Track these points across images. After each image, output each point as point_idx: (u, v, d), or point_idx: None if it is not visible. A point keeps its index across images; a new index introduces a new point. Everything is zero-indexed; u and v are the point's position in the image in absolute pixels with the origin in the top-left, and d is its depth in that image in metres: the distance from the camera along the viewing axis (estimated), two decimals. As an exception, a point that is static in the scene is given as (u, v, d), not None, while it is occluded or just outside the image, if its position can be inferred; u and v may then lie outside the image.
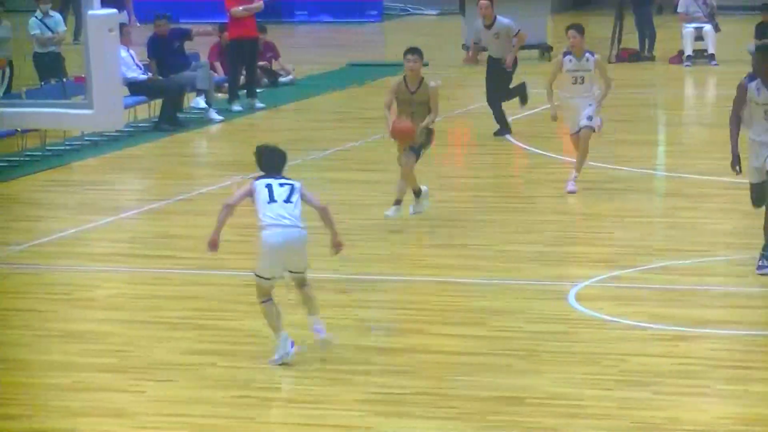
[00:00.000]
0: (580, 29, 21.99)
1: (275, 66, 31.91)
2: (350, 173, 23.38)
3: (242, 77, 29.47)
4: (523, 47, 33.05)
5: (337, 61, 34.45)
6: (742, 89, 17.54)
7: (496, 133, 26.35)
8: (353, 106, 30.13)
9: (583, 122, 21.55)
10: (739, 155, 17.60)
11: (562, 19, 37.03)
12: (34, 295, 17.76)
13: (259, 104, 29.51)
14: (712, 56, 32.60)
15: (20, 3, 36.81)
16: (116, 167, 25.08)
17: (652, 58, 33.40)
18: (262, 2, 29.70)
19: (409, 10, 42.09)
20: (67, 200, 22.82)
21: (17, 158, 24.87)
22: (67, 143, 25.92)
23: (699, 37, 32.85)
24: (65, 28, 30.80)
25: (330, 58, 34.80)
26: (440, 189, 19.92)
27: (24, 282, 18.26)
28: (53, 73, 28.62)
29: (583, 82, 21.72)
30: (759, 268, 17.51)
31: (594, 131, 21.72)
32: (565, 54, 21.89)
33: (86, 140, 25.94)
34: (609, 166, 23.81)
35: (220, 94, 29.20)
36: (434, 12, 40.79)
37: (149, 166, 25.73)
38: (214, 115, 28.25)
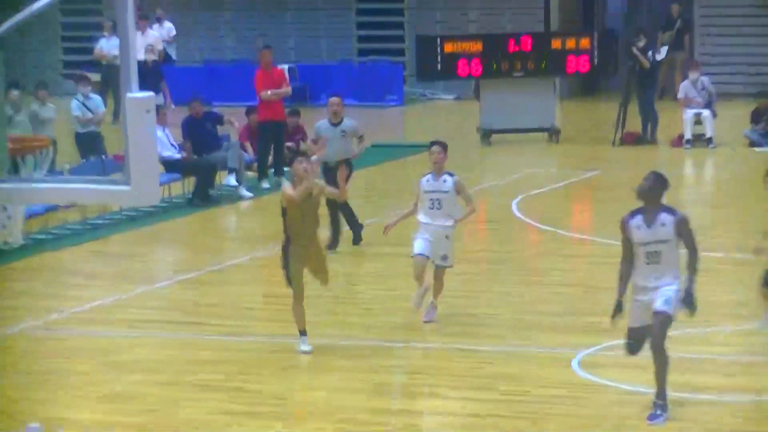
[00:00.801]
0: (444, 146, 18.54)
1: (303, 146, 32.03)
2: (373, 247, 23.43)
3: (270, 157, 29.57)
4: (530, 130, 33.34)
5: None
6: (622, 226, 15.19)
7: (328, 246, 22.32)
8: (376, 183, 30.21)
9: (438, 262, 18.42)
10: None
11: (570, 104, 37.23)
12: (74, 358, 17.85)
13: (286, 182, 29.52)
14: (710, 139, 32.68)
15: (62, 86, 37.05)
16: (151, 240, 25.19)
17: (654, 142, 33.45)
18: (289, 87, 29.86)
19: (427, 95, 42.20)
20: (104, 270, 22.91)
21: (59, 231, 25.00)
22: (106, 217, 26.03)
23: (698, 121, 33.00)
24: (104, 110, 31.01)
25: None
26: (457, 261, 19.82)
27: (64, 346, 18.32)
28: (93, 151, 28.77)
29: (440, 206, 18.22)
30: (650, 417, 14.92)
31: (448, 268, 18.62)
32: (425, 174, 18.51)
33: (123, 214, 26.05)
34: (614, 241, 23.84)
35: (249, 173, 29.25)
36: (451, 97, 40.91)
37: (182, 240, 25.81)
38: (244, 192, 28.33)
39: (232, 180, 28.66)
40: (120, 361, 17.64)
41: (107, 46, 36.46)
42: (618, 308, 14.94)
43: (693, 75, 33.73)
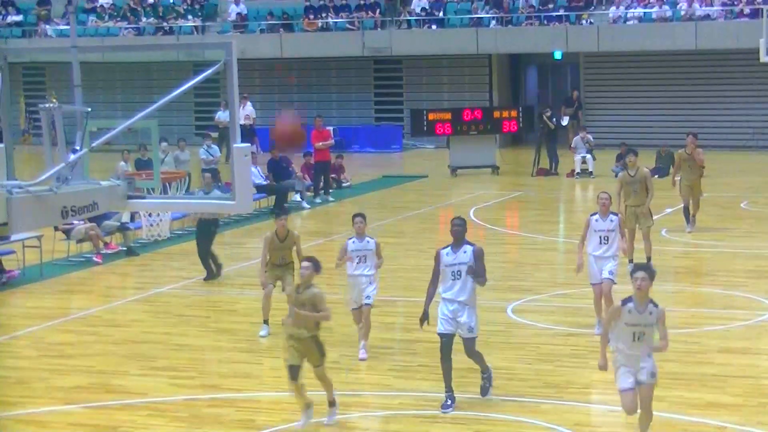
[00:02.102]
0: (364, 216, 14.94)
1: (341, 177, 32.12)
2: (384, 238, 23.47)
3: (321, 183, 29.74)
4: (481, 167, 33.35)
5: (376, 174, 34.59)
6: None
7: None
8: (385, 200, 30.27)
9: (365, 301, 14.52)
10: None
11: (505, 151, 37.21)
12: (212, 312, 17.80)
13: (330, 199, 29.70)
14: (591, 173, 32.67)
15: (194, 140, 37.16)
16: (247, 235, 25.27)
17: (556, 174, 33.42)
18: (333, 141, 30.32)
19: (417, 145, 42.16)
20: (220, 251, 22.97)
21: (191, 228, 24.95)
22: (222, 221, 26.02)
23: (584, 162, 32.98)
24: (220, 154, 31.11)
25: (372, 172, 34.92)
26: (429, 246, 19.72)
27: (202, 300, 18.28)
28: (213, 180, 28.84)
29: (365, 261, 14.49)
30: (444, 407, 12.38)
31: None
32: (351, 238, 14.77)
33: (232, 219, 26.11)
34: (534, 235, 23.86)
35: (308, 193, 29.38)
36: (432, 146, 40.84)
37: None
38: (305, 204, 28.46)
39: (297, 197, 28.79)
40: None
41: (222, 115, 36.47)
42: (424, 316, 12.48)
43: (581, 134, 33.74)
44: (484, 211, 27.33)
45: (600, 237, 15.01)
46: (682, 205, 22.93)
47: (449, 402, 12.43)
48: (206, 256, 19.88)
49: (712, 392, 13.06)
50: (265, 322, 15.85)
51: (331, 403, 12.10)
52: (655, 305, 10.66)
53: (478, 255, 12.53)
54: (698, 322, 16.31)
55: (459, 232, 12.60)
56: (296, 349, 11.74)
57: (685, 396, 12.90)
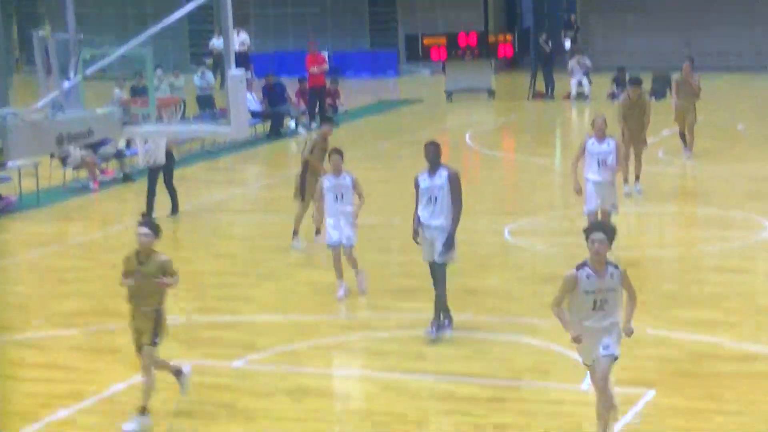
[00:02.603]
0: (342, 152, 14.04)
1: (336, 102, 31.95)
2: (380, 162, 23.51)
3: (316, 108, 29.57)
4: (476, 91, 33.15)
5: (371, 99, 34.42)
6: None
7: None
8: (381, 124, 30.15)
9: (345, 242, 13.91)
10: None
11: (500, 76, 36.94)
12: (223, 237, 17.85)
13: (326, 124, 29.59)
14: (586, 97, 32.47)
15: (189, 67, 36.93)
16: (246, 160, 25.21)
17: (553, 97, 33.21)
18: (327, 66, 30.08)
19: (413, 70, 41.90)
20: (216, 178, 22.94)
21: (187, 155, 24.95)
22: (217, 147, 26.02)
23: (579, 85, 32.74)
24: (215, 81, 30.96)
25: (367, 97, 34.73)
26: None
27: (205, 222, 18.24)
28: (208, 106, 28.87)
29: (342, 198, 13.84)
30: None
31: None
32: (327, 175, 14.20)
33: (228, 144, 25.97)
34: (529, 156, 23.82)
35: (303, 118, 29.23)
36: (428, 72, 40.57)
37: (264, 158, 25.83)
38: (301, 129, 28.31)
39: (292, 123, 28.67)
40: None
41: (217, 43, 36.24)
42: (416, 233, 12.40)
43: (577, 57, 33.47)
44: (480, 135, 27.24)
45: (598, 160, 14.66)
46: (678, 130, 22.75)
47: (432, 328, 12.22)
48: (173, 190, 18.98)
49: (708, 311, 13.11)
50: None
51: (142, 411, 10.20)
52: (615, 267, 9.26)
53: (453, 179, 12.28)
54: (695, 242, 16.33)
55: (433, 156, 12.30)
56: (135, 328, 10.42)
57: (681, 315, 12.94)
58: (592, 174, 14.71)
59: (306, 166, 16.26)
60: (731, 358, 11.58)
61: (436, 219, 12.29)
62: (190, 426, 10.21)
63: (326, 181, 13.88)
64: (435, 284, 12.38)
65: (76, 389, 11.18)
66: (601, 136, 14.70)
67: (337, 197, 13.80)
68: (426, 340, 12.21)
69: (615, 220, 14.70)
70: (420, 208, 12.38)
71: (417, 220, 12.42)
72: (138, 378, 11.28)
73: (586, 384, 10.88)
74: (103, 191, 21.40)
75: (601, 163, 14.65)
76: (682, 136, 22.37)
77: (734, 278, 14.42)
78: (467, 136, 26.74)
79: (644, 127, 19.13)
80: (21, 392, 11.18)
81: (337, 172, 13.86)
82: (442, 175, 12.28)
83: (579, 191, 14.89)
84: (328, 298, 13.81)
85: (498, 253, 15.88)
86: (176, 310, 13.56)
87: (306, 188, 16.04)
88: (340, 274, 13.90)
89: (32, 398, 11.02)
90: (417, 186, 12.38)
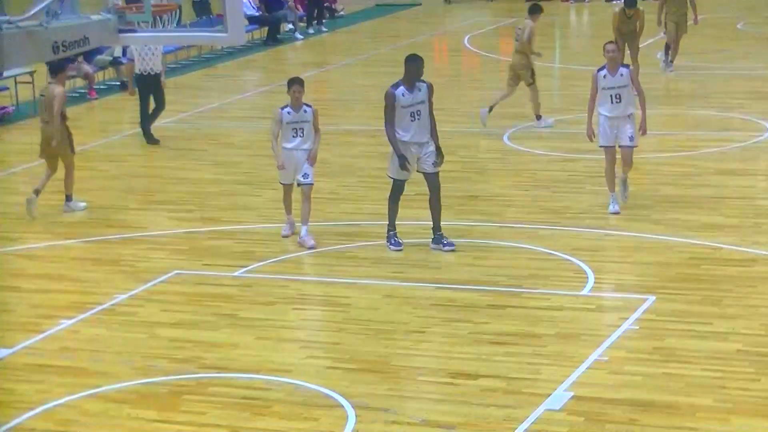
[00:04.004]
0: (303, 83, 12.49)
1: (334, 6, 31.57)
2: (378, 67, 23.31)
3: (315, 13, 29.23)
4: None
5: (369, 2, 34.00)
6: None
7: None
8: (378, 29, 29.83)
9: (301, 180, 12.55)
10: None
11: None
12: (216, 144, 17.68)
13: (324, 29, 29.24)
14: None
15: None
16: (243, 67, 25.00)
17: (552, -2, 32.82)
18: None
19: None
20: (213, 84, 22.76)
21: (184, 62, 24.81)
22: (214, 53, 25.78)
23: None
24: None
25: (364, 0, 34.30)
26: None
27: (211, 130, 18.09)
28: (205, 12, 28.44)
29: (302, 133, 12.36)
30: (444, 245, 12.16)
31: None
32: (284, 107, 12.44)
33: (225, 51, 25.78)
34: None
35: (301, 23, 28.90)
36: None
37: (262, 65, 25.58)
38: (298, 35, 28.04)
39: (290, 28, 28.37)
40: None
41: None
42: (403, 159, 11.96)
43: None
44: (478, 38, 26.97)
45: (611, 95, 12.89)
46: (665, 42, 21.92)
47: (444, 241, 12.06)
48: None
49: (708, 214, 13.05)
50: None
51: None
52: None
53: (431, 90, 11.92)
54: (694, 144, 16.21)
55: (419, 70, 11.82)
56: None
57: (682, 218, 12.88)
58: (605, 110, 13.01)
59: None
60: (731, 261, 11.54)
61: (423, 134, 11.97)
62: (193, 335, 10.20)
63: (285, 115, 12.34)
64: (434, 194, 12.19)
65: (78, 300, 11.16)
66: (613, 68, 12.89)
67: (296, 132, 12.34)
68: (425, 246, 12.16)
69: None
70: (400, 126, 11.84)
71: (398, 143, 11.82)
72: (139, 288, 11.31)
73: (587, 289, 10.90)
74: (101, 99, 21.24)
75: (615, 98, 12.90)
76: (668, 47, 21.50)
77: (734, 181, 14.33)
78: (466, 39, 26.44)
79: (638, 36, 19.44)
80: (23, 303, 11.17)
81: (297, 104, 12.31)
82: (422, 89, 11.89)
83: (591, 137, 13.29)
84: (328, 206, 13.75)
85: (497, 158, 15.78)
86: (174, 221, 13.55)
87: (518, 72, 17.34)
88: (304, 217, 12.41)
89: (34, 309, 11.00)
90: (394, 102, 11.78)
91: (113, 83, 22.62)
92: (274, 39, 27.47)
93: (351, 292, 11.15)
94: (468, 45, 25.65)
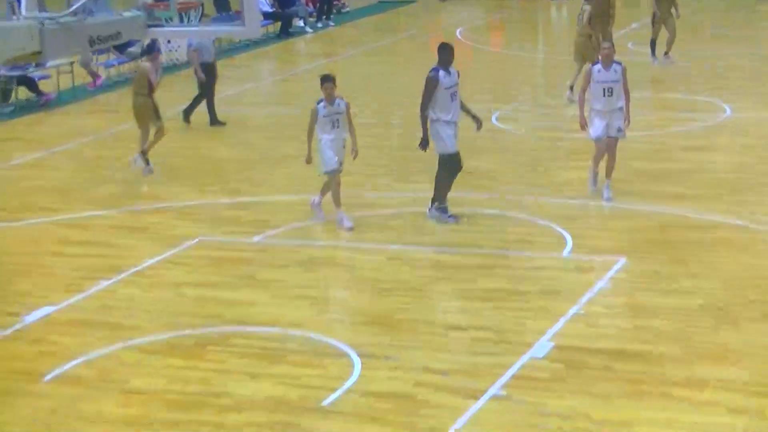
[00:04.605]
0: (335, 80, 12.06)
1: (341, 2, 31.43)
2: (381, 57, 23.24)
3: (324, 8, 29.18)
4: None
5: (371, 0, 33.89)
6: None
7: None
8: (380, 23, 29.73)
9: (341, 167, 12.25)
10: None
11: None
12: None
13: (331, 23, 29.15)
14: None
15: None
16: (259, 58, 24.92)
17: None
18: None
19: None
20: (232, 74, 22.63)
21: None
22: (233, 45, 25.73)
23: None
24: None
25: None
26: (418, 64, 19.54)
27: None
28: (224, 8, 28.33)
29: (338, 124, 11.97)
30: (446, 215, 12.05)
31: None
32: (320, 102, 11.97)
33: (243, 43, 25.71)
34: (516, 52, 23.47)
35: (311, 18, 28.83)
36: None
37: (275, 57, 25.51)
38: (308, 29, 27.97)
39: (301, 23, 28.32)
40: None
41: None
42: (426, 141, 11.92)
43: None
44: (471, 31, 26.89)
45: (604, 89, 12.59)
46: (651, 37, 21.64)
47: (451, 217, 11.99)
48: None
49: (676, 185, 13.07)
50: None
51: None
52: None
53: (459, 76, 11.96)
54: (663, 124, 16.22)
55: (451, 56, 11.81)
56: None
57: (652, 189, 12.91)
58: (597, 104, 12.70)
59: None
60: (695, 227, 11.59)
61: (458, 114, 11.98)
62: (215, 294, 10.27)
63: (321, 109, 11.87)
64: (455, 171, 12.01)
65: (114, 263, 11.22)
66: (607, 64, 12.63)
67: (333, 124, 11.89)
68: (423, 215, 12.21)
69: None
70: (442, 107, 11.74)
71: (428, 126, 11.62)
72: (167, 253, 11.38)
73: (566, 252, 10.94)
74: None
75: (607, 92, 12.62)
76: (653, 42, 21.21)
77: (698, 156, 14.35)
78: (458, 32, 26.38)
79: (610, 24, 18.88)
80: (66, 267, 11.24)
81: (331, 98, 11.89)
82: (453, 73, 11.89)
83: (583, 126, 12.80)
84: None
85: (486, 137, 15.75)
86: (199, 194, 13.59)
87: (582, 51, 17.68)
88: (338, 201, 12.07)
89: (76, 271, 11.07)
90: (437, 85, 11.63)
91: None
92: (286, 32, 27.39)
93: (357, 255, 11.21)
94: (460, 37, 25.57)
